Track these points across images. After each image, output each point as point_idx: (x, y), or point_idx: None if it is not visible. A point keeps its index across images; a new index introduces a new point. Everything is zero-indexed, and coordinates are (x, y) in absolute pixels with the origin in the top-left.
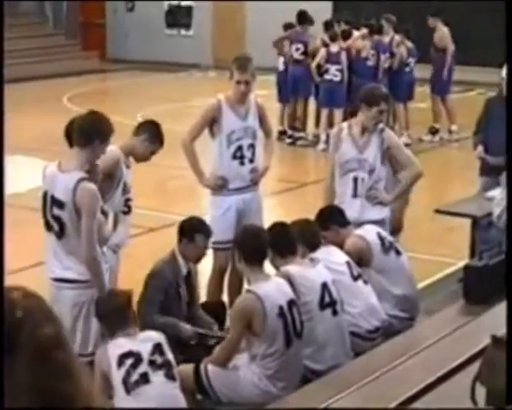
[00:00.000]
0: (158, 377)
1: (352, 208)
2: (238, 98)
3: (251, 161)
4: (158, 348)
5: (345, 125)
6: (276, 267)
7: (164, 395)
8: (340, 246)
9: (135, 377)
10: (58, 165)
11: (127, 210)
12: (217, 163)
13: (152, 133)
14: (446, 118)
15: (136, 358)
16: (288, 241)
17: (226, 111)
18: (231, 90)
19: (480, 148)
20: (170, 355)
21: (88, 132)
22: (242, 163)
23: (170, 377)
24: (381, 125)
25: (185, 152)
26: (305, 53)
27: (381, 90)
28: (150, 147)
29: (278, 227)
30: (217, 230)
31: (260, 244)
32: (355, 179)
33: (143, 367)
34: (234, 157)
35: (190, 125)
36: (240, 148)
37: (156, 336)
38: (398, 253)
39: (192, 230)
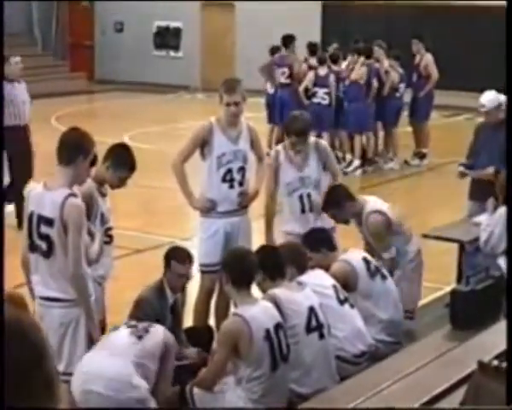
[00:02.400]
0: None
1: (304, 222)
2: (229, 121)
3: (240, 184)
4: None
5: (280, 147)
6: (264, 290)
7: None
8: (326, 269)
9: None
10: (44, 185)
11: (108, 240)
12: (206, 185)
13: (115, 159)
14: (416, 143)
15: None
16: (278, 263)
17: (217, 133)
18: (222, 113)
19: (461, 168)
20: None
21: (70, 150)
22: (232, 186)
23: None
24: (313, 139)
25: (175, 173)
26: (290, 76)
27: (298, 124)
28: (115, 173)
29: (268, 250)
30: (204, 252)
31: (248, 267)
32: (300, 197)
33: None
34: (223, 180)
35: (181, 147)
36: (230, 171)
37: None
38: (383, 277)
39: (169, 257)
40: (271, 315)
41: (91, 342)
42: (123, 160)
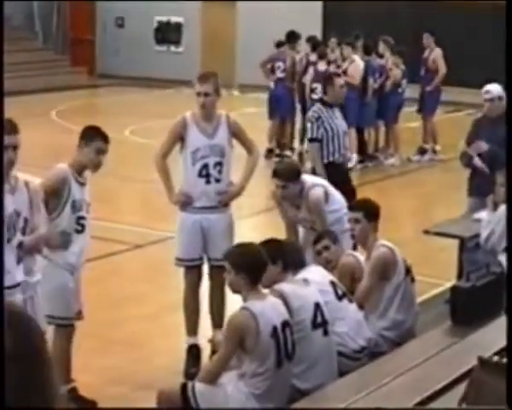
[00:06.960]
0: None
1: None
2: (201, 113)
3: (217, 180)
4: None
5: None
6: (272, 282)
7: None
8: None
9: None
10: None
11: (80, 229)
12: (183, 180)
13: (87, 134)
14: (430, 138)
15: None
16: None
17: (191, 128)
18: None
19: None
20: None
21: None
22: (208, 182)
23: None
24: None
25: (157, 168)
26: (285, 70)
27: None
28: (90, 147)
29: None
30: (181, 246)
31: (262, 262)
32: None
33: None
34: (200, 175)
35: (161, 142)
36: (205, 166)
37: None
38: (412, 280)
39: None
40: (280, 312)
41: None
42: (94, 132)
